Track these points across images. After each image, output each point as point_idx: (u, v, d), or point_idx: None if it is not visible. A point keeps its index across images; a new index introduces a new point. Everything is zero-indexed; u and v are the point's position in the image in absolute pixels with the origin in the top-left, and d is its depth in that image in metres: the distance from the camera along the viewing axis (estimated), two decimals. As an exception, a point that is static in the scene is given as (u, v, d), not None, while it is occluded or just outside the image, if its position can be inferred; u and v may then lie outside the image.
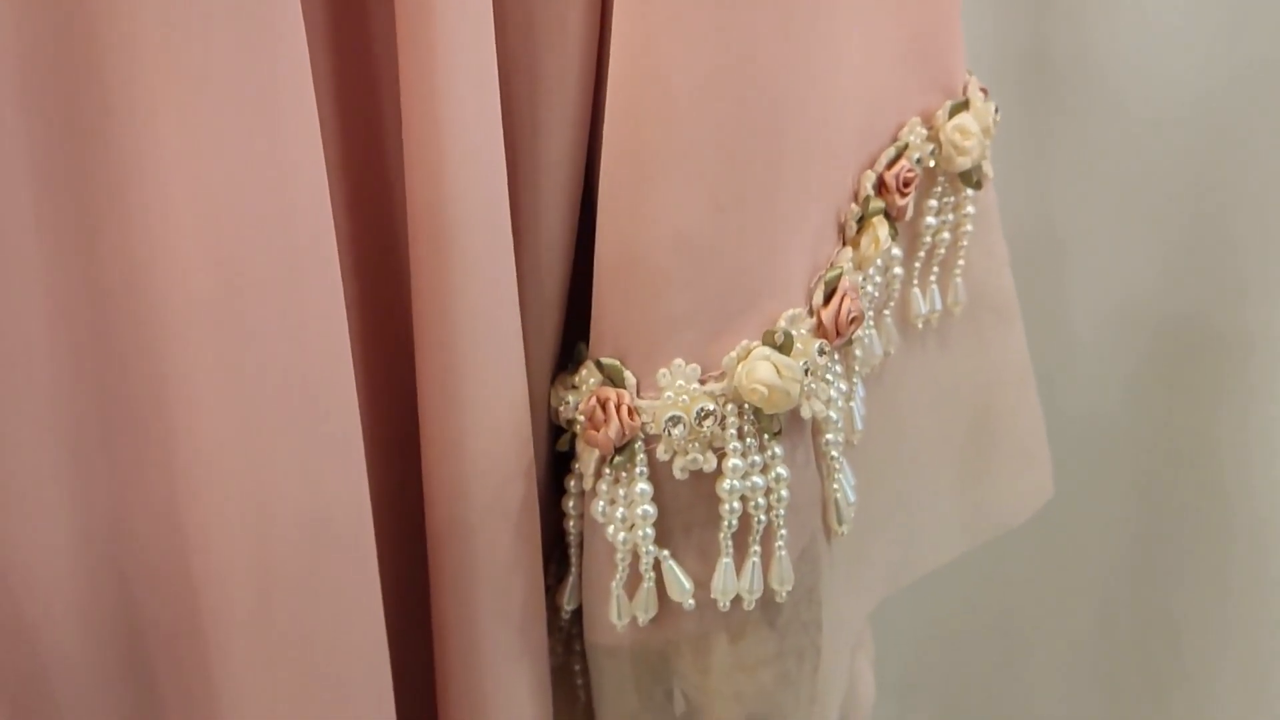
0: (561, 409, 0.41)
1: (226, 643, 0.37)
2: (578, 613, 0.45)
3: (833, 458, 0.41)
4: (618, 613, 0.40)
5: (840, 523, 0.42)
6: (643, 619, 0.40)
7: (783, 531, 0.39)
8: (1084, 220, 0.78)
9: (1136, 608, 0.89)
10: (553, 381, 0.42)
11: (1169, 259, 0.79)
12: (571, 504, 0.42)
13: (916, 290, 0.47)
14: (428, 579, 0.41)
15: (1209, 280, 0.78)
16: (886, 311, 0.46)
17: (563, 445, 0.42)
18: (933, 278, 0.47)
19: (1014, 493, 0.54)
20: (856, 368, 0.43)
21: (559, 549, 0.45)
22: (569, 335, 0.43)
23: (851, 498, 0.42)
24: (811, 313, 0.39)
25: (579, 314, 0.42)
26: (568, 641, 0.47)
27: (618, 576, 0.40)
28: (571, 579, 0.43)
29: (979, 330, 0.50)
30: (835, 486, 0.41)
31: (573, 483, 0.42)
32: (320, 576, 0.36)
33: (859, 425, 0.43)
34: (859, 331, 0.42)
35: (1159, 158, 0.76)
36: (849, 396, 0.42)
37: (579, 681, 0.47)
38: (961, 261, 0.47)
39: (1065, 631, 0.91)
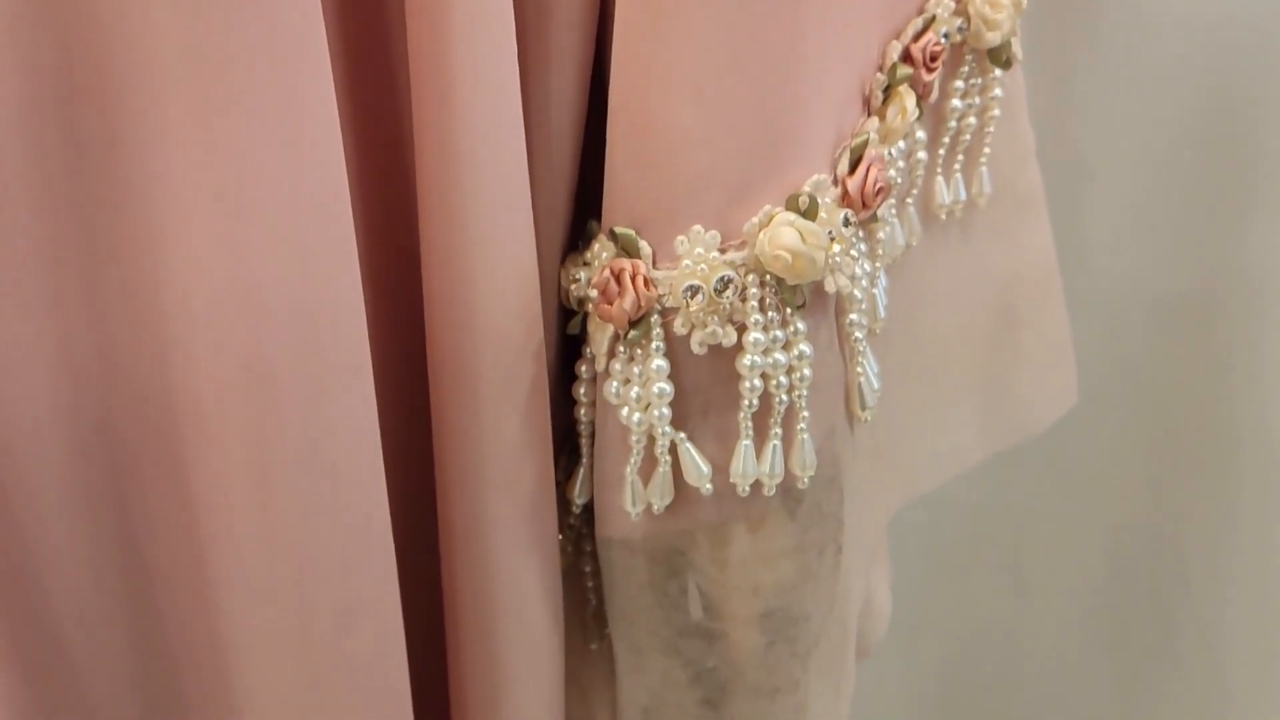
0: (573, 288, 0.39)
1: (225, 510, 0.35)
2: (588, 510, 0.43)
3: (856, 339, 0.39)
4: (631, 500, 0.39)
5: (864, 408, 0.40)
6: (658, 506, 0.39)
7: (805, 414, 0.38)
8: (1107, 142, 0.76)
9: (1147, 543, 0.88)
10: (562, 262, 0.40)
11: (1190, 182, 0.77)
12: (583, 390, 0.40)
13: (940, 179, 0.45)
14: (433, 464, 0.40)
15: (1230, 200, 0.76)
16: (909, 200, 0.44)
17: (573, 328, 0.40)
18: (957, 166, 0.45)
19: (1037, 397, 0.52)
20: (880, 252, 0.41)
21: (569, 443, 0.43)
22: (580, 218, 0.41)
23: (876, 384, 0.40)
24: (836, 181, 0.37)
25: (592, 197, 0.40)
26: (577, 541, 0.45)
27: (632, 461, 0.38)
28: (582, 470, 0.42)
29: (1003, 224, 0.48)
30: (859, 370, 0.40)
31: (584, 367, 0.40)
32: (320, 438, 0.35)
33: (882, 313, 0.42)
34: (883, 211, 0.40)
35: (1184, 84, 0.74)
36: (873, 279, 0.40)
37: (589, 584, 0.46)
38: (987, 149, 0.45)
39: (1075, 568, 0.90)
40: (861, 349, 0.40)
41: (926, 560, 0.89)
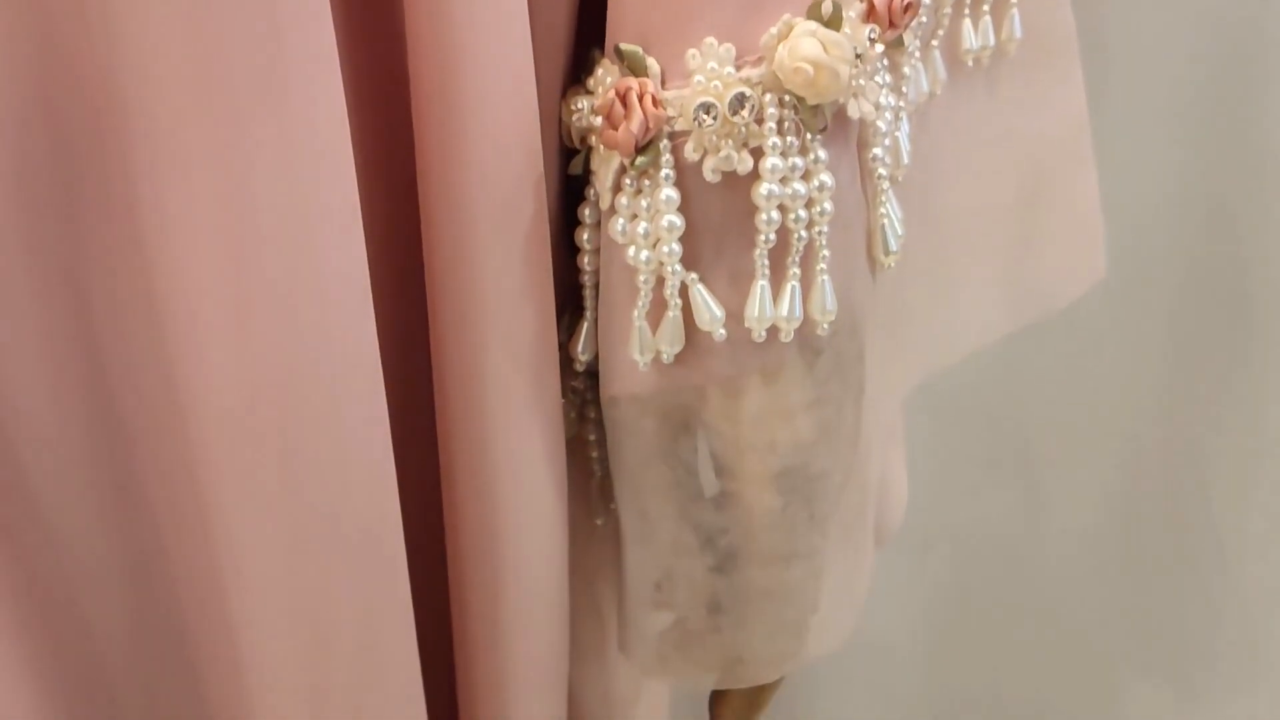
0: (574, 120, 0.36)
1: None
2: (593, 376, 0.41)
3: (880, 176, 0.36)
4: (639, 347, 0.36)
5: (887, 254, 0.37)
6: (667, 354, 0.36)
7: (825, 253, 0.35)
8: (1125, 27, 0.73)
9: (1164, 453, 0.85)
10: (563, 96, 0.37)
11: (1210, 77, 0.74)
12: (586, 236, 0.38)
13: (968, 20, 0.42)
14: (427, 316, 0.37)
15: (1251, 93, 0.73)
16: (934, 43, 0.41)
17: (575, 168, 0.37)
18: (986, 7, 0.42)
19: (1063, 270, 0.49)
20: (904, 90, 0.38)
21: (572, 302, 0.41)
22: (582, 52, 0.38)
23: (900, 229, 0.38)
24: None
25: (595, 28, 0.37)
26: (581, 408, 0.43)
27: (639, 304, 0.36)
28: (586, 325, 0.39)
29: (1033, 76, 0.45)
30: (882, 212, 0.37)
31: (587, 211, 0.38)
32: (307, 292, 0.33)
33: (905, 159, 0.39)
34: (908, 39, 0.37)
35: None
36: (897, 117, 0.38)
37: (594, 454, 0.43)
38: None
39: (1088, 479, 0.87)
40: (885, 188, 0.37)
41: (937, 472, 0.87)
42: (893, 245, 0.37)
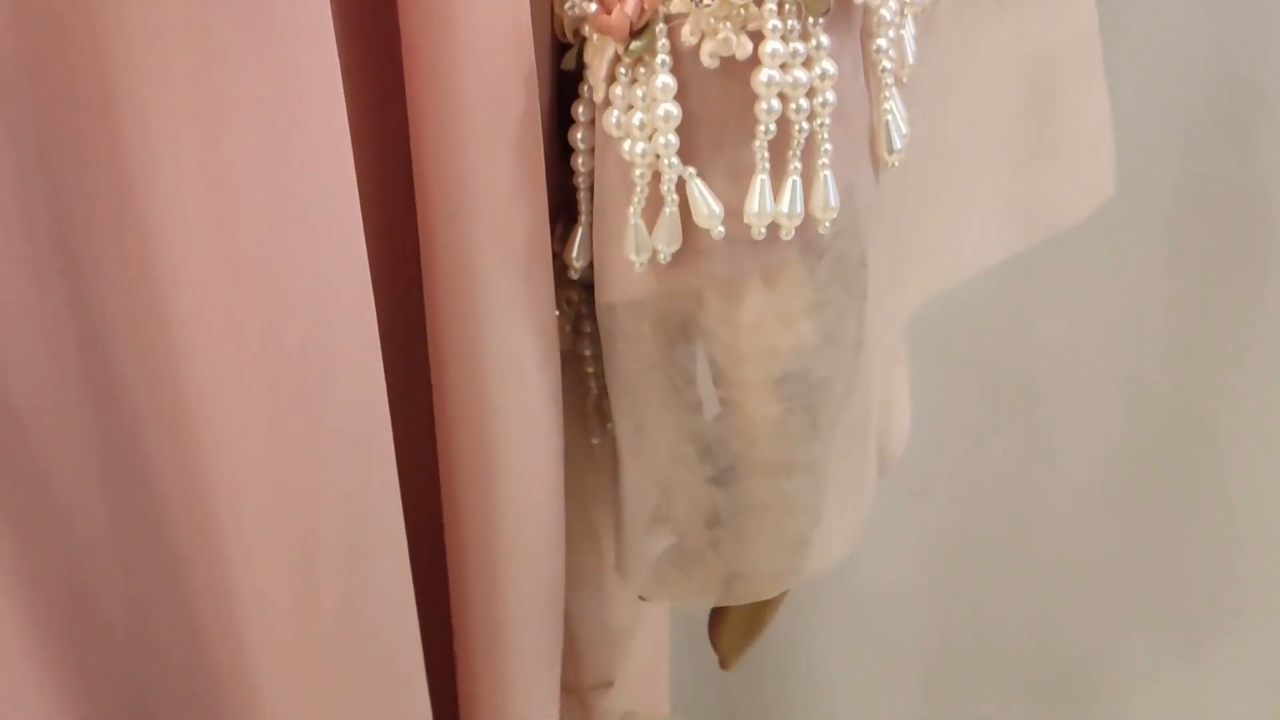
0: (567, 9, 0.35)
1: None
2: (588, 290, 0.40)
3: (884, 69, 0.35)
4: (635, 247, 0.35)
5: (891, 152, 0.36)
6: (664, 254, 0.35)
7: (826, 146, 0.34)
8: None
9: (1168, 398, 0.84)
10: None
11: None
12: (580, 135, 0.37)
13: (975, -80, 0.41)
14: (416, 219, 0.36)
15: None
16: (940, -59, 0.40)
17: (568, 63, 0.36)
18: None
19: (1071, 185, 0.48)
20: (909, -16, 0.37)
21: (565, 211, 0.39)
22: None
23: (904, 128, 0.36)
24: None
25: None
26: (576, 322, 0.41)
27: (635, 201, 0.34)
28: (581, 229, 0.38)
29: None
30: (886, 108, 0.36)
31: (581, 109, 0.36)
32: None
33: (910, 59, 0.37)
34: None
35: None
36: (902, 10, 0.36)
37: (589, 370, 0.42)
38: None
39: (1091, 425, 0.86)
40: (889, 83, 0.36)
41: (938, 417, 0.86)
42: (897, 144, 0.36)
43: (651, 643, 0.53)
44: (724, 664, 0.44)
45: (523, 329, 0.37)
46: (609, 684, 0.49)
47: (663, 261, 0.35)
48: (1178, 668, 0.92)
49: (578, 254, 0.38)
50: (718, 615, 0.44)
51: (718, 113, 0.33)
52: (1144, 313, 0.82)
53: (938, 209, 0.45)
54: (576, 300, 0.41)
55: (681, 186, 0.34)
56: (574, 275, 0.39)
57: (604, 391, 0.42)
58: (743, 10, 0.32)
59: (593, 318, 0.40)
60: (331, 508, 0.36)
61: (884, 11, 0.34)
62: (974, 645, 0.93)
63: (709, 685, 0.92)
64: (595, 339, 0.41)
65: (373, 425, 0.36)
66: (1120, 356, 0.84)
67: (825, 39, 0.33)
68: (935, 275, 0.47)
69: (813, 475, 0.38)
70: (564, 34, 0.36)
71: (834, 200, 0.34)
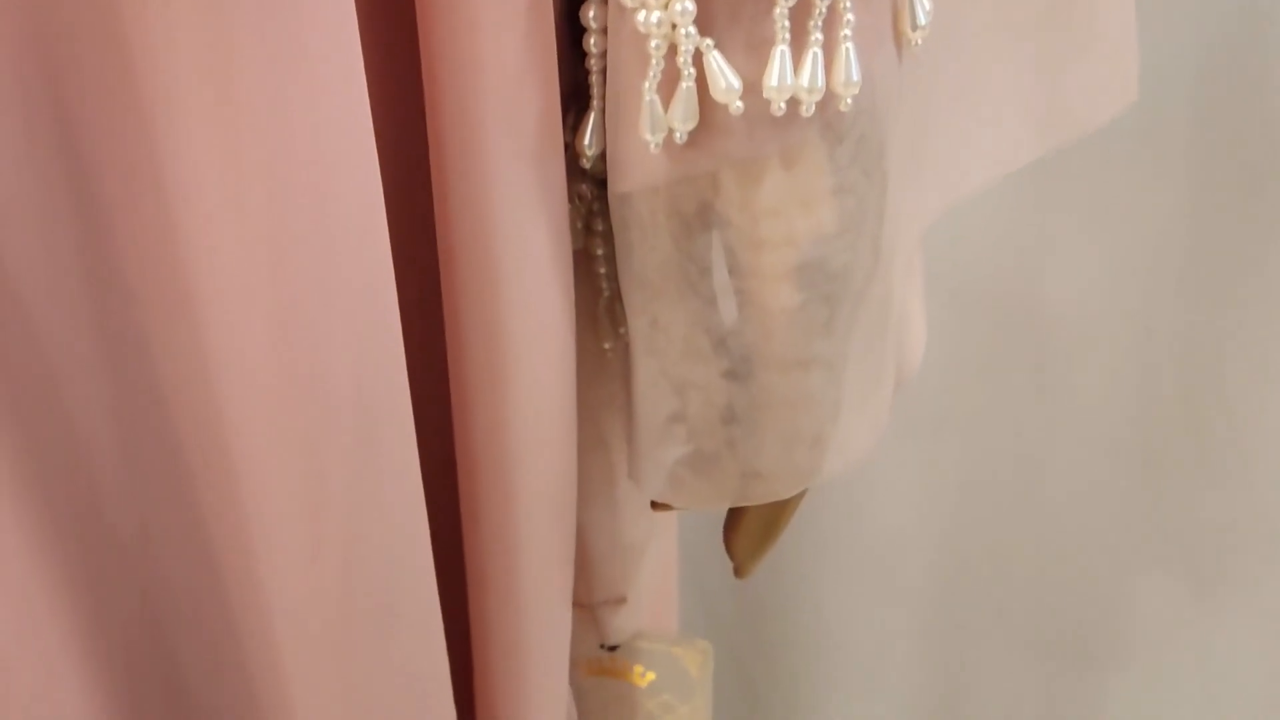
0: None
1: None
2: (600, 185, 0.39)
3: (908, -60, 0.34)
4: (651, 125, 0.34)
5: (915, 28, 0.35)
6: (680, 132, 0.34)
7: (849, 17, 0.33)
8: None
9: (1180, 342, 0.83)
10: None
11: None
12: (593, 13, 0.35)
13: None
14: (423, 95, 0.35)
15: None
16: None
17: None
18: None
19: (1094, 89, 0.47)
20: None
21: (576, 101, 0.38)
22: None
23: (928, 3, 0.35)
24: None
25: None
26: (588, 219, 0.40)
27: (650, 75, 0.33)
28: (594, 114, 0.37)
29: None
30: (909, -17, 0.35)
31: (592, -14, 0.35)
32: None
33: None
34: None
35: None
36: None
37: (601, 270, 0.41)
38: None
39: (1102, 369, 0.85)
40: None
41: (948, 359, 0.85)
42: (921, 19, 0.35)
43: (661, 565, 0.52)
44: (739, 571, 0.43)
45: (534, 219, 0.36)
46: (621, 600, 0.49)
47: (679, 141, 0.34)
48: (1187, 614, 0.91)
49: (590, 141, 0.37)
50: (733, 520, 0.43)
51: (736, -18, 0.32)
52: (1158, 250, 0.81)
53: (957, 111, 0.44)
54: (589, 196, 0.40)
55: (699, 60, 0.33)
56: (586, 164, 0.38)
57: (616, 294, 0.41)
58: None
59: (605, 215, 0.39)
60: (339, 397, 0.35)
61: None
62: (981, 590, 0.92)
63: (713, 628, 0.92)
64: (607, 237, 0.40)
65: (380, 315, 0.35)
66: (1132, 296, 0.83)
67: None
68: (953, 180, 0.45)
69: (831, 370, 0.37)
70: (576, -97, 0.35)
71: (855, 74, 0.33)
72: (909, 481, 0.89)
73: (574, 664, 0.53)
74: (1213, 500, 0.87)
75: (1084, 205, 0.80)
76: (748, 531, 0.43)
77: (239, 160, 0.31)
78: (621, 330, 0.42)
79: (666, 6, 0.32)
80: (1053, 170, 0.79)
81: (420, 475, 0.38)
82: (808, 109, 0.33)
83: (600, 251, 0.41)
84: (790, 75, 0.33)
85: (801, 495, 0.41)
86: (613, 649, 0.51)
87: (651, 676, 0.52)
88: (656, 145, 0.34)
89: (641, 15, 0.33)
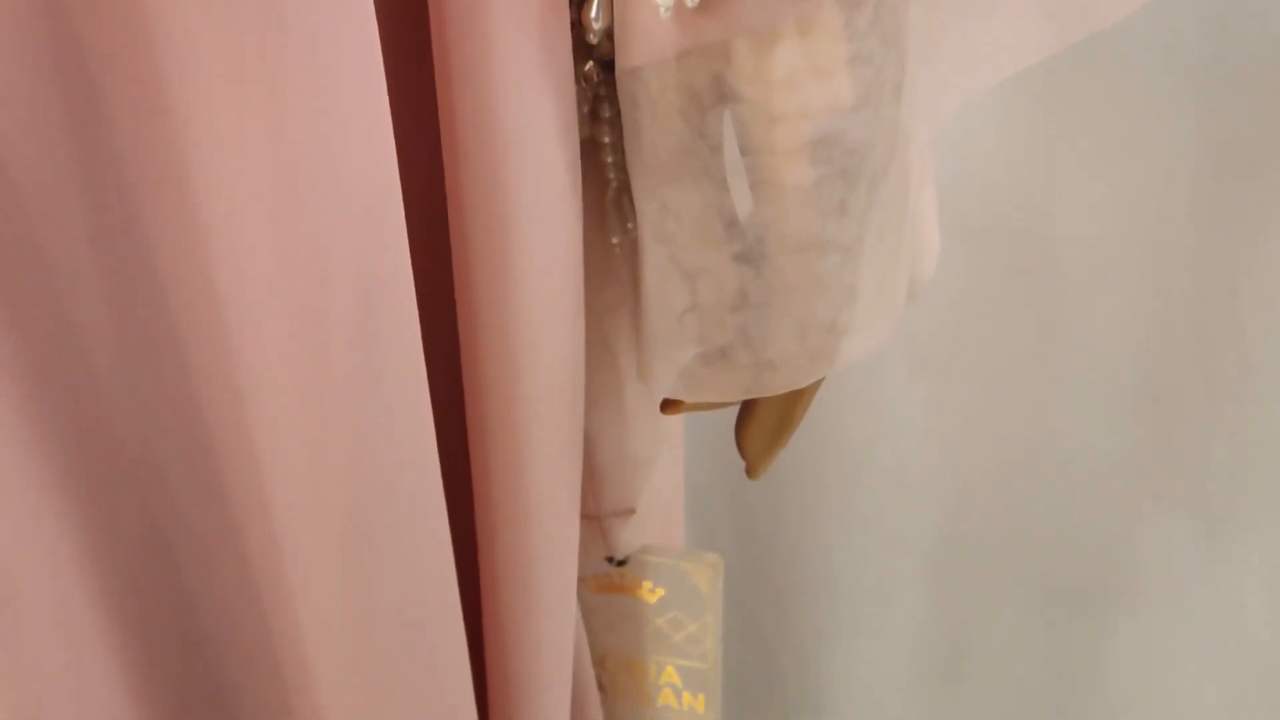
0: None
1: None
2: (607, 68, 0.38)
3: None
4: (661, -12, 0.33)
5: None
6: (692, -2, 0.33)
7: None
8: None
9: (1196, 276, 0.82)
10: None
11: None
12: (600, -122, 0.34)
13: None
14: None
15: None
16: None
17: None
18: None
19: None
20: None
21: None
22: None
23: None
24: None
25: None
26: (594, 105, 0.39)
27: (661, -66, 0.32)
28: (601, -16, 0.36)
29: None
30: None
31: None
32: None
33: None
34: None
35: None
36: None
37: (609, 160, 0.40)
38: None
39: (1112, 298, 0.84)
40: None
41: (957, 296, 0.84)
42: None
43: (668, 481, 0.52)
44: (751, 470, 0.42)
45: (540, 95, 0.35)
46: (630, 511, 0.48)
47: (690, 6, 0.33)
48: (1196, 557, 0.90)
49: (597, 14, 0.36)
50: (745, 416, 0.42)
51: None
52: (1169, 180, 0.80)
53: (967, 6, 0.43)
54: (595, 79, 0.39)
55: (711, -84, 0.32)
56: (593, 39, 0.37)
57: (624, 186, 0.40)
58: None
59: (612, 99, 0.38)
60: (342, 276, 0.34)
61: None
62: (989, 532, 0.91)
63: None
64: (615, 124, 0.39)
65: (383, 191, 0.34)
66: (1143, 227, 0.81)
67: None
68: (970, 72, 0.44)
69: (846, 254, 0.36)
70: None
71: None
72: (915, 422, 0.88)
73: (581, 580, 0.52)
74: (1225, 440, 0.87)
75: (1093, 134, 0.79)
76: (761, 427, 0.42)
77: (237, 26, 0.30)
78: (629, 225, 0.41)
79: None
80: (1060, 99, 0.78)
81: (425, 369, 0.37)
82: None
83: (607, 139, 0.40)
84: (806, -68, 0.32)
85: (816, 388, 0.40)
86: (621, 564, 0.50)
87: (661, 592, 0.51)
88: (667, 10, 0.33)
89: None
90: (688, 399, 0.39)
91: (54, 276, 0.34)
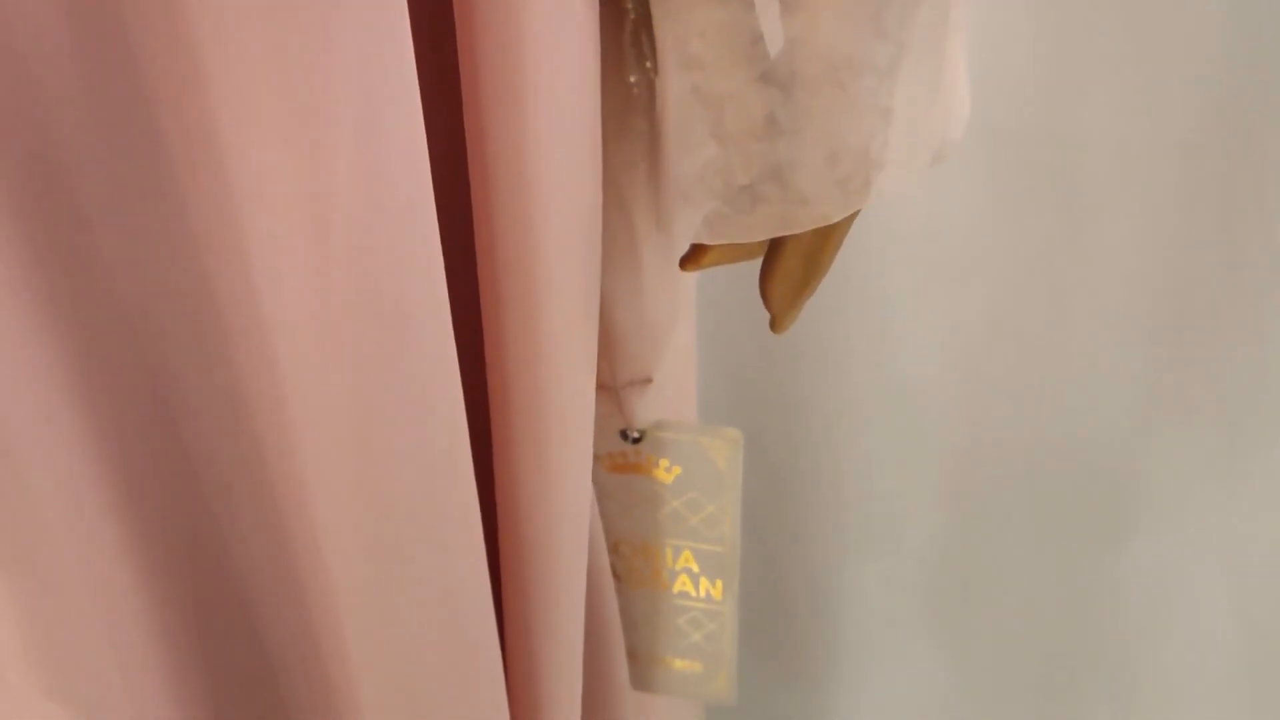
0: None
1: None
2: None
3: None
4: None
5: None
6: None
7: None
8: None
9: (1219, 167, 0.80)
10: None
11: None
12: None
13: None
14: None
15: None
16: None
17: None
18: None
19: None
20: None
21: None
22: None
23: None
24: None
25: None
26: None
27: None
28: None
29: None
30: None
31: None
32: None
33: None
34: None
35: None
36: None
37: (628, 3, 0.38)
38: None
39: (1136, 200, 0.82)
40: None
41: (977, 197, 0.82)
42: None
43: (681, 354, 0.50)
44: (776, 323, 0.40)
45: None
46: (647, 380, 0.46)
47: None
48: (1216, 467, 0.89)
49: None
50: (771, 262, 0.40)
51: None
52: (1202, 81, 0.77)
53: None
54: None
55: None
56: None
57: (642, 19, 0.38)
58: None
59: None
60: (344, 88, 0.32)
61: None
62: (1005, 441, 0.89)
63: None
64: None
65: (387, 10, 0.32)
66: (1169, 129, 0.79)
67: None
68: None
69: (881, 76, 0.34)
70: None
71: None
72: (933, 332, 0.86)
73: (596, 459, 0.50)
74: (1249, 350, 0.85)
75: (1122, 33, 0.77)
76: (787, 273, 0.39)
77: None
78: (648, 64, 0.39)
79: None
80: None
81: (434, 209, 0.35)
82: None
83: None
84: None
85: (845, 229, 0.38)
86: (637, 440, 0.48)
87: (678, 471, 0.49)
88: None
89: None
90: (712, 241, 0.37)
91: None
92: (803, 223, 0.36)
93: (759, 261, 0.42)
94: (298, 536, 0.38)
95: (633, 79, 0.39)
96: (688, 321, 0.48)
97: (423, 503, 0.40)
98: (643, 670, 0.55)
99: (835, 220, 0.36)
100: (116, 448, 0.35)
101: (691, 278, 0.45)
